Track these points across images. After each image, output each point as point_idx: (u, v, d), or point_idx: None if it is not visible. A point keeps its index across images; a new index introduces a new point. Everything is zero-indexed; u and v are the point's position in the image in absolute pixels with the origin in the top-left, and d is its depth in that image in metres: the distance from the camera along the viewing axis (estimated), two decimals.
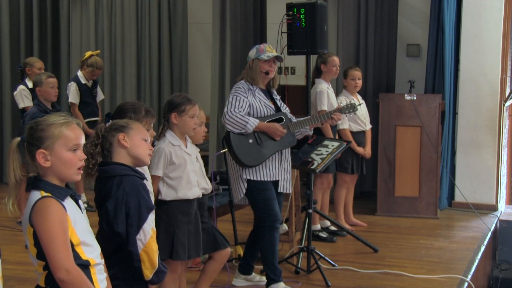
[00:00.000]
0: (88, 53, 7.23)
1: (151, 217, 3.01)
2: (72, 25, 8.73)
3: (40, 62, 7.08)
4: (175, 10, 8.53)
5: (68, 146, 2.60)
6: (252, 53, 4.80)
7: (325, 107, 6.15)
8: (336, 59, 6.35)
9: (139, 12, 8.58)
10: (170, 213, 3.91)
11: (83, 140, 2.67)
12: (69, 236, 2.56)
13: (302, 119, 4.93)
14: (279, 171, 4.80)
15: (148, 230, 2.97)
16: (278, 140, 4.75)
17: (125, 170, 3.05)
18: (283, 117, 4.84)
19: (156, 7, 8.52)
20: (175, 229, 3.90)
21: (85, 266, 2.61)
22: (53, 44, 8.89)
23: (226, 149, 4.76)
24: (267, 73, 4.77)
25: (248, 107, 4.70)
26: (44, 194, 2.55)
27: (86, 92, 7.17)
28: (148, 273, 2.98)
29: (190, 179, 3.96)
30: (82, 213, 2.70)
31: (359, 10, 8.01)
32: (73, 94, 7.08)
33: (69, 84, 7.20)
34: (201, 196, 4.06)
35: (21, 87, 6.86)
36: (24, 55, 8.76)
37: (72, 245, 2.57)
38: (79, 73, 7.17)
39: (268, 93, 4.88)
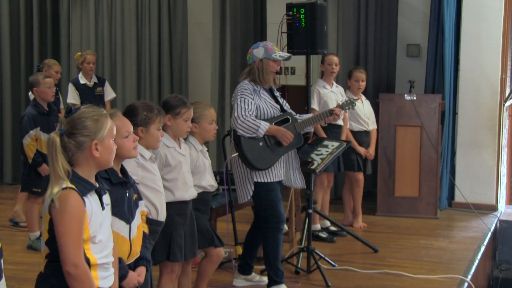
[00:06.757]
0: (78, 54, 7.30)
1: None
2: (72, 25, 8.74)
3: (58, 65, 7.11)
4: (175, 10, 8.53)
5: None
6: (260, 52, 4.72)
7: (313, 106, 6.14)
8: (332, 58, 6.34)
9: (139, 12, 8.58)
10: (167, 215, 3.84)
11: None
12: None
13: (305, 118, 4.90)
14: (284, 171, 4.79)
15: None
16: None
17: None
18: (289, 117, 4.82)
19: (156, 7, 8.51)
20: (172, 230, 3.88)
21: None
22: (53, 44, 8.89)
23: (237, 153, 4.71)
24: (278, 72, 4.75)
25: (256, 109, 4.67)
26: (69, 185, 2.57)
27: (86, 92, 7.12)
28: None
29: (186, 180, 3.94)
30: (104, 209, 2.70)
31: (359, 10, 8.00)
32: (70, 95, 7.08)
33: (68, 86, 7.20)
34: (196, 196, 4.05)
35: None
36: (24, 55, 8.77)
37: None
38: (80, 74, 7.17)
39: (270, 92, 4.85)
